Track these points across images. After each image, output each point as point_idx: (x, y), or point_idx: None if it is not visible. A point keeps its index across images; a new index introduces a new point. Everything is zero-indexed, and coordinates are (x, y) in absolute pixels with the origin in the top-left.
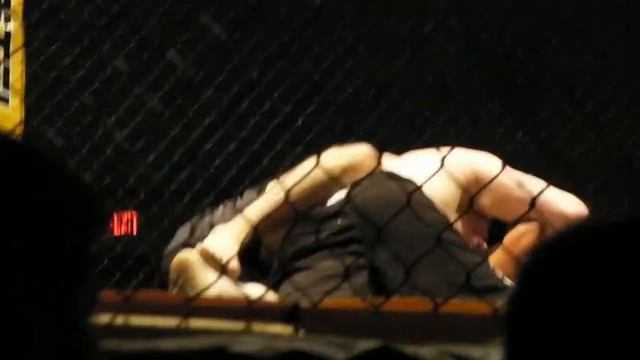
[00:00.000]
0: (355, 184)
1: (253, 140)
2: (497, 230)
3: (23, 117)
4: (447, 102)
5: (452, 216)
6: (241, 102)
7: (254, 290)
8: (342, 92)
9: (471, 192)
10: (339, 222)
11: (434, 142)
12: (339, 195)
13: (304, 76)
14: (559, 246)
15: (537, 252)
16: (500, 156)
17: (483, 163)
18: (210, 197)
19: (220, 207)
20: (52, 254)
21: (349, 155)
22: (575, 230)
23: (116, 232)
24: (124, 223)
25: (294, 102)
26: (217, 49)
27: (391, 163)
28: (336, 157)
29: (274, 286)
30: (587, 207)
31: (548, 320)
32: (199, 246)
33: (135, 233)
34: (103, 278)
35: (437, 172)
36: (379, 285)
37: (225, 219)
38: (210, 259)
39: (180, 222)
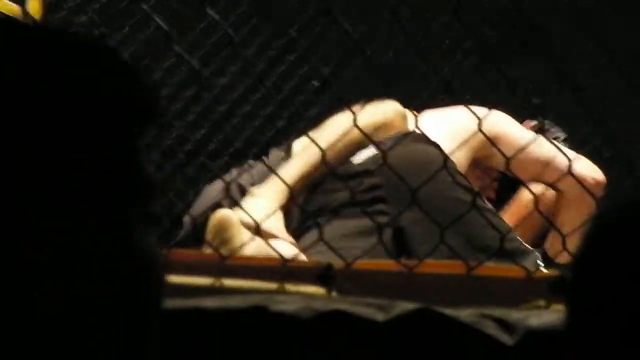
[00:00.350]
0: (381, 143)
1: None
2: (503, 191)
3: None
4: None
5: (464, 173)
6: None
7: (287, 250)
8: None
9: (484, 149)
10: (365, 181)
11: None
12: (365, 153)
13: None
14: (622, 214)
15: (600, 219)
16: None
17: (497, 121)
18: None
19: (246, 166)
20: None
21: (381, 113)
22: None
23: None
24: None
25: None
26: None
27: (413, 122)
28: (369, 114)
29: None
30: (603, 172)
31: (612, 286)
32: (238, 211)
33: None
34: None
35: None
36: (402, 245)
37: (255, 180)
38: (251, 226)
39: (194, 182)
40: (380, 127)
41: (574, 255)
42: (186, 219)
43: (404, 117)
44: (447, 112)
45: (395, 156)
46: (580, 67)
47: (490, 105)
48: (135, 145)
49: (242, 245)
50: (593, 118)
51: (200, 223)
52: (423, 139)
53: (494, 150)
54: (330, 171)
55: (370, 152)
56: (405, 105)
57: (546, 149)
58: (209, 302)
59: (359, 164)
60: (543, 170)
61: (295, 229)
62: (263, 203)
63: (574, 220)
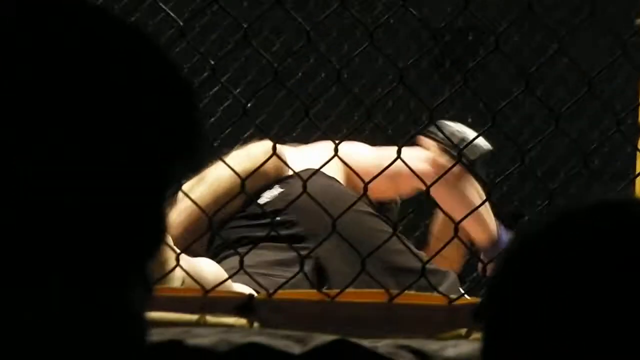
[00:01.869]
0: (280, 181)
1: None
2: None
3: None
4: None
5: None
6: None
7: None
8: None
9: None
10: (279, 219)
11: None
12: (269, 193)
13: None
14: (539, 235)
15: (516, 241)
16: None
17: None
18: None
19: None
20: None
21: (247, 158)
22: (557, 218)
23: None
24: None
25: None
26: None
27: (295, 156)
28: (238, 161)
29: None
30: None
31: (529, 310)
32: None
33: None
34: None
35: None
36: (322, 276)
37: None
38: None
39: None
40: (249, 171)
41: (489, 280)
42: None
43: (276, 160)
44: (313, 148)
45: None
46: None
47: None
48: (162, 180)
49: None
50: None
51: None
52: (321, 174)
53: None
54: (239, 212)
55: (274, 192)
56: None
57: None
58: None
59: (267, 204)
60: (392, 183)
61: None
62: None
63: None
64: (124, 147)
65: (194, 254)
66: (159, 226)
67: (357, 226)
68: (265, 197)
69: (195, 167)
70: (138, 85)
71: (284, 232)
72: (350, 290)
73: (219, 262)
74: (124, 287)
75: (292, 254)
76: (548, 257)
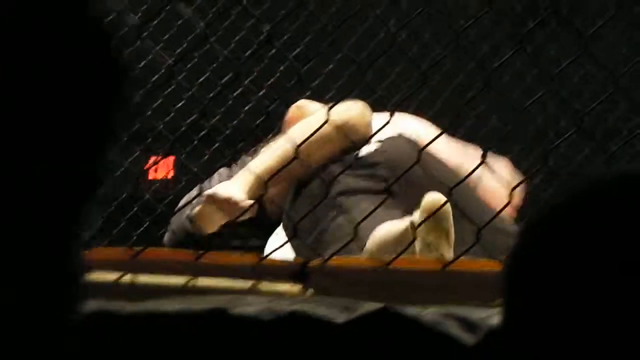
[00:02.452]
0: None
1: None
2: None
3: None
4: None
5: None
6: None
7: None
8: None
9: None
10: (375, 172)
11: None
12: (368, 148)
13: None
14: (557, 207)
15: (536, 214)
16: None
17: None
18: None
19: (223, 170)
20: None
21: (351, 111)
22: (575, 191)
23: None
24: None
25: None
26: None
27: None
28: (340, 111)
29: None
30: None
31: (548, 281)
32: (206, 193)
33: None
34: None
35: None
36: None
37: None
38: (219, 201)
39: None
40: (351, 123)
41: (511, 250)
42: (174, 220)
43: (369, 122)
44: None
45: (398, 151)
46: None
47: None
48: (95, 127)
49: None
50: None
51: (184, 228)
52: (410, 139)
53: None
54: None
55: (371, 147)
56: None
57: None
58: (169, 306)
59: (367, 155)
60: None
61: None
62: (229, 186)
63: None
64: (47, 89)
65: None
66: (92, 172)
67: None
68: (364, 151)
69: (122, 113)
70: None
71: (377, 185)
72: (404, 256)
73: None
74: (57, 227)
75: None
76: (570, 230)
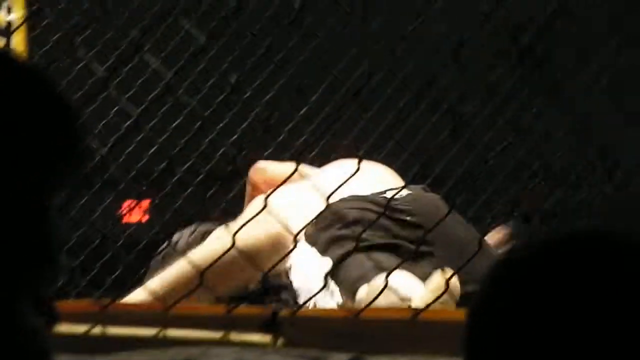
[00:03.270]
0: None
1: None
2: None
3: None
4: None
5: None
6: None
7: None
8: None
9: None
10: (407, 218)
11: None
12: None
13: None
14: (518, 260)
15: (496, 268)
16: None
17: None
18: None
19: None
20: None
21: (260, 236)
22: (537, 243)
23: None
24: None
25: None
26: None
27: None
28: (246, 237)
29: None
30: None
31: (508, 335)
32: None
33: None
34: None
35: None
36: None
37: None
38: None
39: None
40: (253, 255)
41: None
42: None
43: (282, 249)
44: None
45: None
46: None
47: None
48: (50, 197)
49: None
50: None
51: None
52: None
53: None
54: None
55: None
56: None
57: None
58: (139, 358)
59: (397, 200)
60: None
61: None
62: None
63: None
64: None
65: None
66: (44, 241)
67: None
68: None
69: (72, 178)
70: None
71: (411, 234)
72: (374, 306)
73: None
74: (11, 307)
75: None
76: (529, 285)
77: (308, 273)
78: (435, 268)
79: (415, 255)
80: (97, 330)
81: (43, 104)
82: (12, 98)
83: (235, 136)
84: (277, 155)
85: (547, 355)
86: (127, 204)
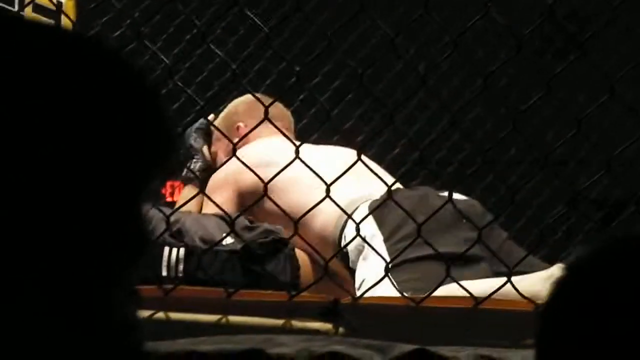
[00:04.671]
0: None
1: None
2: None
3: None
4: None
5: None
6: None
7: None
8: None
9: None
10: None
11: None
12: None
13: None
14: (590, 265)
15: (570, 271)
16: None
17: None
18: None
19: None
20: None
21: None
22: (608, 249)
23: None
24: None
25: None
26: None
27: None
28: None
29: None
30: None
31: (581, 331)
32: None
33: None
34: None
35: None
36: None
37: None
38: None
39: None
40: None
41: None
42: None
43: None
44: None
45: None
46: None
47: None
48: (140, 191)
49: None
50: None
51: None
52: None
53: None
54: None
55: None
56: None
57: None
58: (206, 346)
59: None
60: None
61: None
62: None
63: None
64: (95, 157)
65: None
66: (139, 234)
67: None
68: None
69: (168, 172)
70: (104, 97)
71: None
72: (435, 295)
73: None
74: (107, 296)
75: None
76: (599, 286)
77: (373, 263)
78: (484, 272)
79: (467, 260)
80: (160, 315)
81: (131, 92)
82: (100, 85)
83: None
84: None
85: (614, 351)
86: (170, 183)
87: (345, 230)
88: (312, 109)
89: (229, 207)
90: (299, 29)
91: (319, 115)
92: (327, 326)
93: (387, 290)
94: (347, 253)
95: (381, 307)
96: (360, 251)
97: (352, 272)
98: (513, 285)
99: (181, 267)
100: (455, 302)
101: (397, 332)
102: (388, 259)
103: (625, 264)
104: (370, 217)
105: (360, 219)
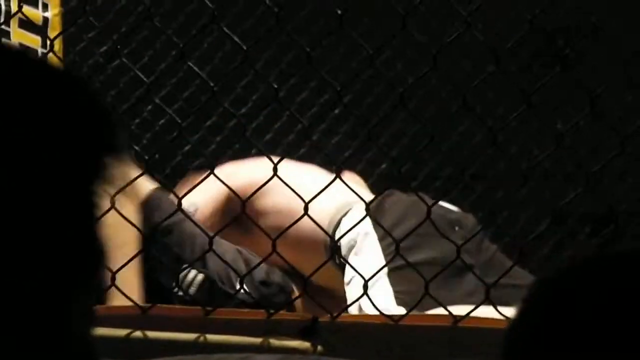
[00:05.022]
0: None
1: None
2: None
3: None
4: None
5: None
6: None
7: None
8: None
9: None
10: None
11: None
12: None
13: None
14: (560, 279)
15: (539, 284)
16: None
17: None
18: None
19: None
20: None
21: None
22: (578, 263)
23: None
24: None
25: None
26: None
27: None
28: None
29: None
30: None
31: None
32: None
33: None
34: None
35: None
36: None
37: None
38: None
39: None
40: None
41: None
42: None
43: None
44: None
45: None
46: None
47: None
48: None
49: None
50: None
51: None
52: None
53: None
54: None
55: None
56: None
57: None
58: None
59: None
60: None
61: None
62: None
63: None
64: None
65: None
66: (93, 245)
67: None
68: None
69: (111, 172)
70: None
71: None
72: (414, 313)
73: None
74: (61, 308)
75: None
76: (572, 301)
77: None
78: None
79: (460, 269)
80: (138, 334)
81: (72, 99)
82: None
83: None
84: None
85: None
86: None
87: (340, 227)
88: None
89: (216, 205)
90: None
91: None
92: (306, 344)
93: (378, 295)
94: (339, 248)
95: (360, 325)
96: (352, 247)
97: (342, 267)
98: (493, 303)
99: (192, 290)
100: (435, 320)
101: (377, 349)
102: (382, 259)
103: (596, 279)
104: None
105: (354, 218)
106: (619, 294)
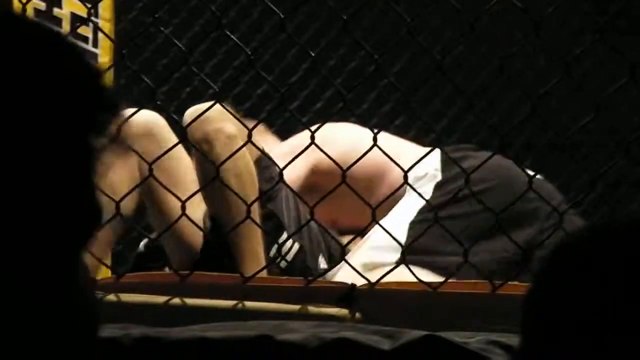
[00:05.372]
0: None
1: None
2: None
3: (112, 75)
4: None
5: None
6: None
7: None
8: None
9: None
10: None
11: None
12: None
13: None
14: (577, 246)
15: (554, 252)
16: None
17: None
18: None
19: None
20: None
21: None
22: (593, 231)
23: None
24: None
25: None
26: None
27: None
28: None
29: None
30: None
31: (565, 319)
32: None
33: None
34: None
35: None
36: None
37: None
38: None
39: None
40: None
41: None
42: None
43: None
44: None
45: None
46: None
47: None
48: (88, 151)
49: None
50: None
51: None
52: None
53: None
54: None
55: None
56: None
57: None
58: (215, 333)
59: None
60: None
61: None
62: None
63: None
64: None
65: None
66: (90, 205)
67: None
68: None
69: (106, 138)
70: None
71: None
72: (452, 280)
73: None
74: (63, 266)
75: None
76: (592, 265)
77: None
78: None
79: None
80: (176, 301)
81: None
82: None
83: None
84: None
85: (595, 338)
86: None
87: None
88: (326, 91)
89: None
90: (312, 13)
91: (334, 99)
92: (344, 312)
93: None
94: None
95: (398, 292)
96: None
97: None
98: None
99: (289, 258)
100: (474, 287)
101: (413, 316)
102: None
103: (614, 245)
104: (439, 158)
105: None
106: (633, 261)
